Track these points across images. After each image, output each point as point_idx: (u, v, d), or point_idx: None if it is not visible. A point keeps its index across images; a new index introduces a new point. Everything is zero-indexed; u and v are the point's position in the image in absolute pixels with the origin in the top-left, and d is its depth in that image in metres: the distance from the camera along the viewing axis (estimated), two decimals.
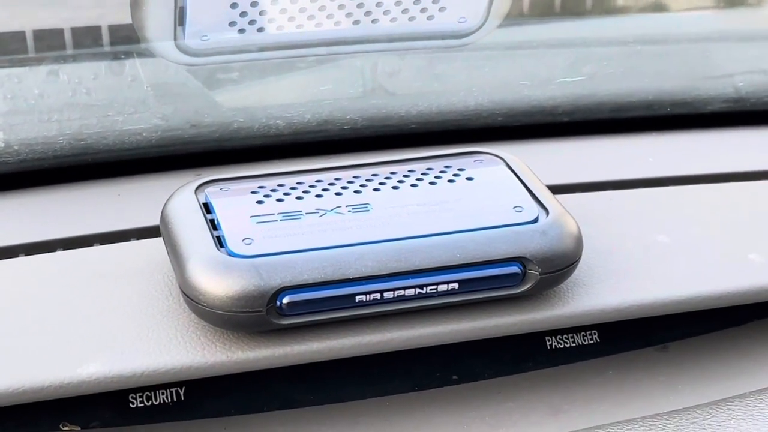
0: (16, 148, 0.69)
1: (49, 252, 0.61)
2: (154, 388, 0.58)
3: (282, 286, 0.53)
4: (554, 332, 0.63)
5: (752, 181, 0.71)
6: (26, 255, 0.61)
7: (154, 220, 0.60)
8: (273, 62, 0.75)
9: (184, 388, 0.59)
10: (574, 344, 0.64)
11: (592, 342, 0.64)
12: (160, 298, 0.57)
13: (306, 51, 0.60)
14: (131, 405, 0.58)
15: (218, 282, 0.53)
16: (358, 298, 0.54)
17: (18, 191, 0.69)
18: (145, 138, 0.71)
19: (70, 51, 0.71)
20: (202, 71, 0.73)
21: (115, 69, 0.71)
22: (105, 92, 0.71)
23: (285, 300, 0.53)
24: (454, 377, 0.62)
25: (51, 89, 0.70)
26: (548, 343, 0.63)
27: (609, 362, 0.63)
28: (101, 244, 0.63)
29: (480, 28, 0.62)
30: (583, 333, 0.64)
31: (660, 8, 0.91)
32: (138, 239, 0.64)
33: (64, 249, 0.62)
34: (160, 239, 0.60)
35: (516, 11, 0.76)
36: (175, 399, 0.59)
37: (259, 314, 0.53)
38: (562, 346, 0.63)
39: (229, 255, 0.54)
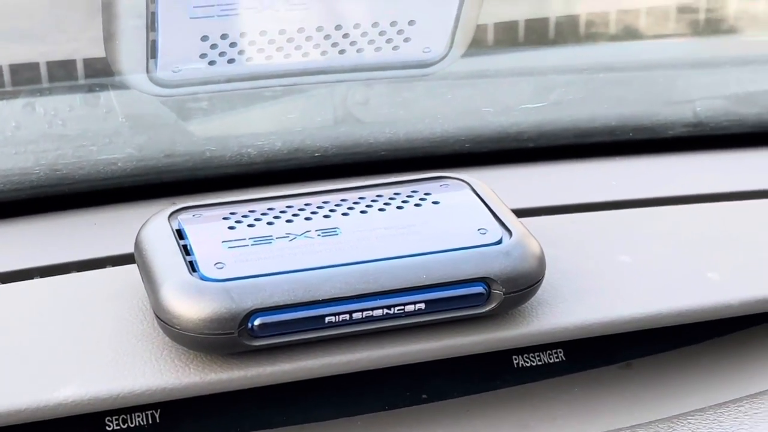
0: None
1: (26, 279, 0.62)
2: (130, 410, 0.60)
3: (253, 308, 0.55)
4: (521, 351, 0.65)
5: (710, 203, 0.73)
6: (2, 283, 0.62)
7: (129, 248, 0.62)
8: (244, 93, 0.77)
9: (159, 410, 0.60)
10: (540, 362, 0.65)
11: (557, 360, 0.65)
12: (135, 322, 0.59)
13: (275, 81, 0.62)
14: (107, 428, 0.59)
15: (191, 305, 0.55)
16: (327, 319, 0.56)
17: None
18: (120, 168, 0.73)
19: (45, 84, 0.72)
20: (175, 102, 0.74)
21: (90, 101, 0.73)
22: (80, 123, 0.72)
23: (256, 322, 0.55)
24: (424, 396, 0.63)
25: (27, 121, 0.72)
26: (515, 362, 0.65)
27: (574, 380, 0.65)
28: (78, 271, 0.64)
29: (444, 58, 0.65)
30: (549, 351, 0.65)
31: (620, 37, 0.93)
32: (113, 266, 0.65)
33: (41, 276, 0.63)
34: (135, 266, 0.62)
35: (480, 41, 0.78)
36: (150, 422, 0.60)
37: (231, 336, 0.54)
38: (528, 365, 0.65)
39: (202, 279, 0.56)
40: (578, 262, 0.64)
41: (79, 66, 0.72)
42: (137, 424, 0.60)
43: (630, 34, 0.94)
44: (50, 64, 0.70)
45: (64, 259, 0.66)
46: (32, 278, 0.63)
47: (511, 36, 0.82)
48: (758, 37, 0.97)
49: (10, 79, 0.71)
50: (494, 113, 0.78)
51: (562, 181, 0.76)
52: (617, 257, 0.66)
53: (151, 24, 0.57)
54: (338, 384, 0.61)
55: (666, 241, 0.68)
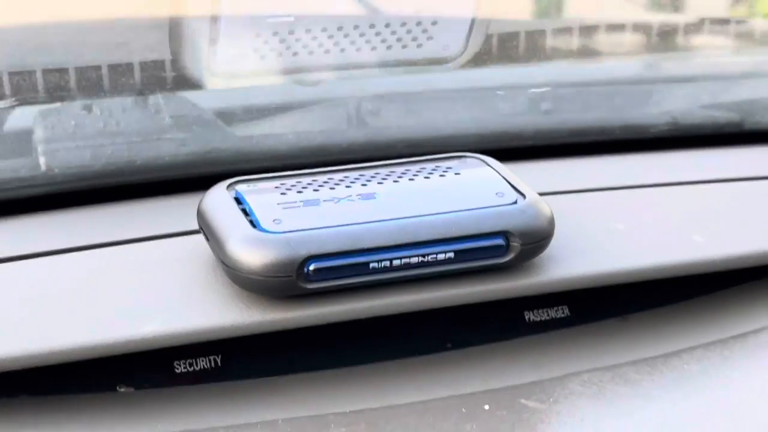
0: (56, 171, 0.80)
1: (102, 248, 0.71)
2: (195, 354, 0.68)
3: (309, 254, 0.64)
4: (531, 306, 0.74)
5: (689, 186, 0.83)
6: (87, 250, 0.71)
7: (184, 227, 0.71)
8: (273, 103, 0.87)
9: (221, 356, 0.69)
10: (548, 317, 0.75)
11: (563, 315, 0.75)
12: (201, 276, 0.68)
13: (317, 75, 0.72)
14: (176, 370, 0.68)
15: (255, 253, 0.64)
16: (371, 265, 0.65)
17: (57, 210, 0.79)
18: (167, 162, 0.82)
19: (104, 87, 0.82)
20: (215, 107, 0.84)
21: (141, 103, 0.82)
22: (132, 123, 0.81)
23: (311, 267, 0.64)
24: (448, 345, 0.72)
25: (86, 120, 0.81)
26: (527, 317, 0.75)
27: (578, 331, 0.74)
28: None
29: (461, 54, 0.75)
30: (555, 307, 0.75)
31: (604, 56, 1.04)
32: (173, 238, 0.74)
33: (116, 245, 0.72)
34: (194, 237, 0.71)
35: (483, 58, 0.88)
36: (213, 365, 0.69)
37: (290, 279, 0.64)
38: (538, 319, 0.75)
39: (263, 232, 0.65)
40: (579, 229, 0.74)
41: (136, 70, 0.81)
42: (202, 367, 0.68)
43: (611, 55, 1.04)
44: (111, 67, 0.79)
45: (129, 236, 0.74)
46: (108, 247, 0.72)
47: (510, 54, 0.92)
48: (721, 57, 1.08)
49: (75, 83, 0.80)
50: (499, 116, 0.88)
51: (558, 172, 0.86)
52: (613, 225, 0.75)
53: (214, 23, 0.67)
54: (376, 333, 0.70)
55: (655, 214, 0.78)
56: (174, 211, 0.78)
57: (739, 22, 1.09)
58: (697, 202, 0.81)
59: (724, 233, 0.76)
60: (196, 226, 0.71)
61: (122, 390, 0.66)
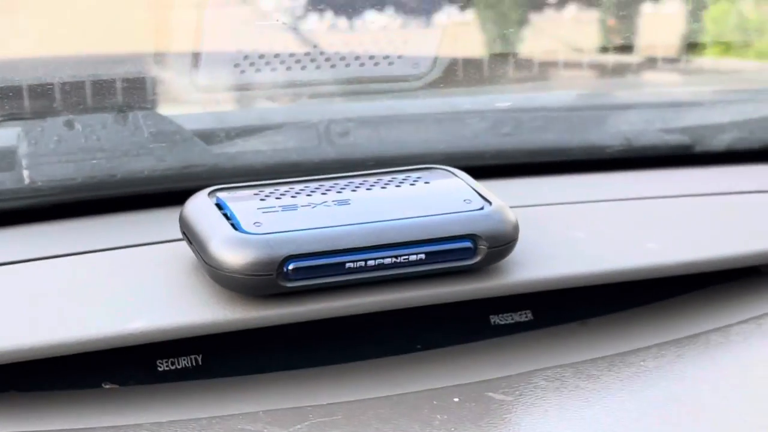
0: (39, 184, 0.83)
1: (88, 253, 0.75)
2: (178, 354, 0.72)
3: (288, 254, 0.67)
4: (496, 311, 0.78)
5: (642, 200, 0.88)
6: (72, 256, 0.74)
7: (166, 236, 0.75)
8: (247, 123, 0.91)
9: (201, 355, 0.72)
10: (512, 321, 0.79)
11: (526, 319, 0.79)
12: (184, 278, 0.71)
13: (292, 91, 0.76)
14: (158, 368, 0.71)
15: (237, 253, 0.67)
16: (347, 265, 0.69)
17: (42, 222, 0.82)
18: (146, 177, 0.86)
19: (87, 104, 0.85)
20: (192, 125, 0.88)
21: (120, 120, 0.86)
22: (112, 139, 0.85)
23: (291, 266, 0.68)
24: (418, 346, 0.76)
25: (68, 136, 0.84)
26: (492, 321, 0.78)
27: (540, 334, 0.78)
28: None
29: (429, 72, 0.79)
30: (519, 312, 0.79)
31: (563, 86, 1.09)
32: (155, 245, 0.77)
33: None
34: (174, 244, 0.74)
35: (450, 80, 0.93)
36: (194, 364, 0.72)
37: (270, 278, 0.67)
38: (502, 323, 0.78)
39: (244, 233, 0.68)
40: (541, 237, 0.78)
41: (118, 87, 0.84)
42: (183, 366, 0.72)
43: (567, 84, 1.10)
44: (94, 84, 0.83)
45: (112, 245, 0.77)
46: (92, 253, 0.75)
47: (476, 75, 0.97)
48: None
49: (60, 99, 0.84)
50: (464, 137, 0.93)
51: (521, 188, 0.90)
52: (573, 234, 0.80)
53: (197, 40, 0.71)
54: (349, 335, 0.74)
55: (612, 225, 0.82)
56: (153, 223, 0.82)
57: (688, 59, 1.15)
58: (650, 215, 0.85)
59: (676, 242, 0.80)
60: (176, 236, 0.74)
61: (107, 387, 0.69)
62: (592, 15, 1.08)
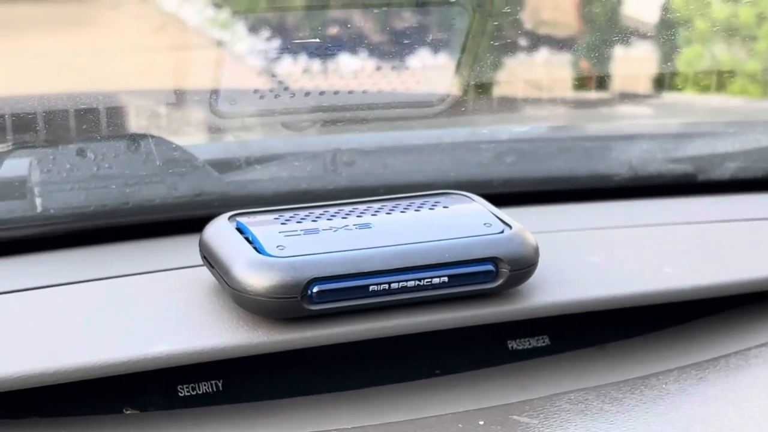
0: (52, 212, 0.83)
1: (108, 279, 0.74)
2: (198, 379, 0.71)
3: (313, 276, 0.67)
4: (514, 336, 0.78)
5: (656, 227, 0.89)
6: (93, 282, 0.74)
7: (182, 263, 0.74)
8: (256, 153, 0.91)
9: (222, 380, 0.72)
10: (529, 346, 0.79)
11: (544, 344, 0.79)
12: (206, 302, 0.71)
13: (312, 116, 0.76)
14: (179, 394, 0.71)
15: (261, 276, 0.67)
16: (371, 288, 0.69)
17: (56, 250, 0.82)
18: (158, 204, 0.85)
19: (99, 132, 0.85)
20: (204, 154, 0.88)
21: (132, 148, 0.86)
22: (125, 166, 0.85)
23: (315, 289, 0.67)
24: (437, 371, 0.76)
25: (80, 164, 0.84)
26: (509, 346, 0.78)
27: (557, 359, 0.78)
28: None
29: (445, 99, 0.80)
30: (536, 337, 0.79)
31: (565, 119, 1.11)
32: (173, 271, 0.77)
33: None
34: (193, 270, 0.74)
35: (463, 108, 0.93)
36: (215, 389, 0.72)
37: (294, 300, 0.67)
38: (520, 348, 0.78)
39: (268, 256, 0.68)
40: (558, 262, 0.78)
41: (132, 115, 0.85)
42: (204, 391, 0.71)
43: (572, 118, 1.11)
44: (108, 111, 0.83)
45: (130, 271, 0.77)
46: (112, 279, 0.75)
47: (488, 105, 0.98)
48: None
49: (74, 125, 0.84)
50: (474, 165, 0.93)
51: (533, 216, 0.90)
52: (590, 259, 0.80)
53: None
54: (368, 360, 0.74)
55: (627, 250, 0.83)
56: (168, 250, 0.81)
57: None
58: (663, 241, 0.86)
59: (692, 267, 0.81)
60: (193, 262, 0.74)
61: (128, 412, 0.69)
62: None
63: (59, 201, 0.83)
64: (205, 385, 0.71)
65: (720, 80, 1.18)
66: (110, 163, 0.85)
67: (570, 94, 1.08)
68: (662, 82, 1.14)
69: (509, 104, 1.00)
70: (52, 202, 0.83)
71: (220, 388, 0.71)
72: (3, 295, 0.71)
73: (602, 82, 1.07)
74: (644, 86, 1.12)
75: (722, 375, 0.74)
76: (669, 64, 1.11)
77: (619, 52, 1.07)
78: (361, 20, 0.80)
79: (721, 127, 1.12)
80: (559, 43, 1.04)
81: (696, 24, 1.09)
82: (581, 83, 1.05)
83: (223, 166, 0.90)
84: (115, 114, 0.85)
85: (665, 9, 1.08)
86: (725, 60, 1.16)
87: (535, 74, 1.00)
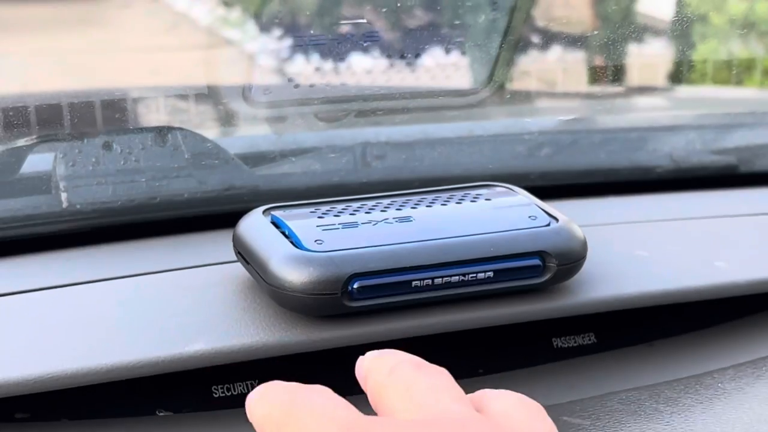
0: (78, 207, 0.80)
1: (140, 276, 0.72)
2: (233, 380, 0.68)
3: (354, 272, 0.64)
4: (559, 334, 0.75)
5: (703, 220, 0.86)
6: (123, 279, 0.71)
7: (214, 259, 0.72)
8: (287, 146, 0.88)
9: (257, 380, 0.69)
10: (575, 344, 0.76)
11: (590, 342, 0.76)
12: (240, 299, 0.68)
13: (347, 106, 0.73)
14: (214, 395, 0.68)
15: (300, 272, 0.64)
16: (413, 283, 0.66)
17: (83, 247, 0.79)
18: (187, 199, 0.83)
19: (123, 125, 0.83)
20: (233, 148, 0.85)
21: (159, 141, 0.83)
22: (152, 160, 0.82)
23: (356, 285, 0.64)
24: (480, 371, 0.73)
25: (106, 158, 0.81)
26: (555, 344, 0.75)
27: (604, 357, 0.75)
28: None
29: (485, 87, 0.77)
30: (582, 334, 0.76)
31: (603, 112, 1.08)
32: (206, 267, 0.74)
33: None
34: (226, 266, 0.71)
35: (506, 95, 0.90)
36: (250, 389, 0.68)
37: (335, 296, 0.64)
38: (566, 346, 0.75)
39: (306, 251, 0.65)
40: (604, 257, 0.75)
41: (161, 105, 0.82)
42: (239, 391, 0.68)
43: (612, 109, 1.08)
44: (134, 101, 0.80)
45: (160, 267, 0.74)
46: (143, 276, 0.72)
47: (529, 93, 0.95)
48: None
49: (101, 117, 0.81)
50: (511, 157, 0.90)
51: (576, 209, 0.87)
52: (636, 253, 0.77)
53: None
54: None
55: (675, 244, 0.80)
56: (199, 246, 0.79)
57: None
58: (711, 234, 0.83)
59: (744, 261, 0.78)
60: (226, 258, 0.71)
61: (162, 414, 0.66)
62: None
63: (85, 196, 0.81)
64: (240, 385, 0.68)
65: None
66: (137, 156, 0.82)
67: (608, 86, 1.04)
68: (705, 74, 1.11)
69: (547, 96, 0.97)
70: (78, 197, 0.80)
71: None
72: (31, 293, 0.68)
73: (641, 74, 1.03)
74: (685, 78, 1.08)
75: None
76: (712, 55, 1.07)
77: (661, 45, 1.04)
78: (397, 8, 0.77)
79: (763, 118, 1.09)
80: (598, 35, 1.01)
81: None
82: (619, 75, 1.01)
83: (254, 159, 0.87)
84: (142, 107, 0.82)
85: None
86: None
87: (574, 65, 0.97)
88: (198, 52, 0.82)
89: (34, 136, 0.82)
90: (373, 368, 0.43)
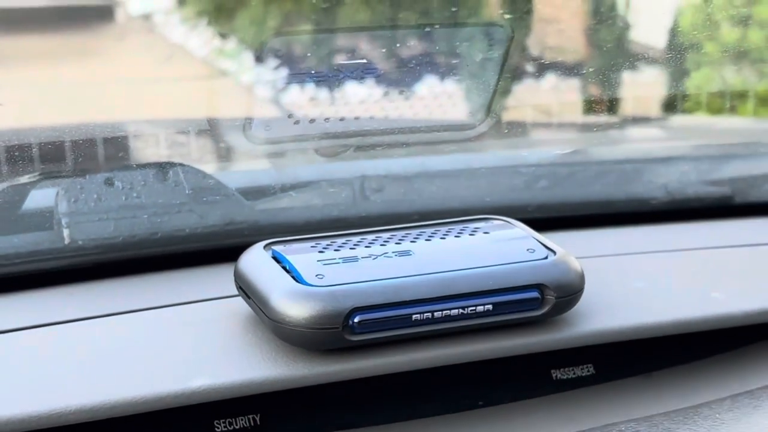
0: (80, 243, 0.81)
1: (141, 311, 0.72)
2: (236, 413, 0.69)
3: (354, 306, 0.65)
4: (558, 365, 0.76)
5: (698, 251, 0.86)
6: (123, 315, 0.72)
7: (214, 294, 0.72)
8: (287, 180, 0.89)
9: (260, 414, 0.70)
10: (574, 375, 0.76)
11: (588, 373, 0.77)
12: (242, 334, 0.69)
13: (346, 141, 0.74)
14: (216, 429, 0.68)
15: (301, 306, 0.65)
16: (414, 317, 0.67)
17: (84, 282, 0.80)
18: (189, 234, 0.83)
19: (125, 161, 0.83)
20: (234, 183, 0.86)
21: (160, 177, 0.84)
22: (153, 196, 0.83)
23: (357, 319, 0.65)
24: (480, 403, 0.74)
25: (108, 194, 0.82)
26: (553, 375, 0.76)
27: (606, 388, 0.76)
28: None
29: (483, 121, 0.78)
30: (581, 366, 0.76)
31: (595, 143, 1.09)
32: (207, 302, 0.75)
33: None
34: (227, 300, 0.72)
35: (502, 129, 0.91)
36: (252, 424, 0.69)
37: (335, 331, 0.65)
38: (564, 377, 0.76)
39: (307, 285, 0.66)
40: (601, 288, 0.76)
41: (161, 141, 0.83)
42: (241, 426, 0.69)
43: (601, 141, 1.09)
44: (135, 138, 0.81)
45: (162, 303, 0.75)
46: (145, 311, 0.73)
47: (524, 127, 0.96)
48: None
49: (102, 155, 0.82)
50: (509, 190, 0.91)
51: (572, 241, 0.88)
52: (633, 284, 0.78)
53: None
54: (410, 391, 0.71)
55: (671, 275, 0.80)
56: (200, 281, 0.79)
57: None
58: (707, 265, 0.83)
59: (740, 292, 0.78)
60: (227, 293, 0.72)
61: None
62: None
63: (87, 232, 0.81)
64: (242, 419, 0.69)
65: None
66: (139, 192, 0.83)
67: (604, 117, 1.05)
68: (700, 103, 1.12)
69: (543, 128, 0.98)
70: (80, 233, 0.80)
71: (258, 423, 0.69)
72: (33, 330, 0.69)
73: (637, 105, 1.04)
74: (679, 107, 1.09)
75: None
76: (707, 87, 1.09)
77: (656, 75, 1.05)
78: (395, 44, 0.78)
79: (757, 148, 1.10)
80: (595, 67, 1.02)
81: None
82: (616, 106, 1.03)
83: (254, 194, 0.88)
84: (143, 143, 0.82)
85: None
86: None
87: (570, 97, 0.98)
88: (199, 86, 0.83)
89: (37, 173, 0.83)
90: None
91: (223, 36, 0.98)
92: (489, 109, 0.79)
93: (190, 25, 0.99)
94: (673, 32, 1.05)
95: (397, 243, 0.71)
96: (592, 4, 1.08)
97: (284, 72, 0.73)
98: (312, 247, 0.70)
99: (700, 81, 1.10)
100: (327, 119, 0.74)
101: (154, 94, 0.83)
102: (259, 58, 0.73)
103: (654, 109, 1.12)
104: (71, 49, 0.95)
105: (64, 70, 0.93)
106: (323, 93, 0.76)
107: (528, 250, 0.71)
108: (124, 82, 0.82)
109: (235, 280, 0.70)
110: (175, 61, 0.94)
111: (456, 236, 0.73)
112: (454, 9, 0.92)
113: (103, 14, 1.00)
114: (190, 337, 0.69)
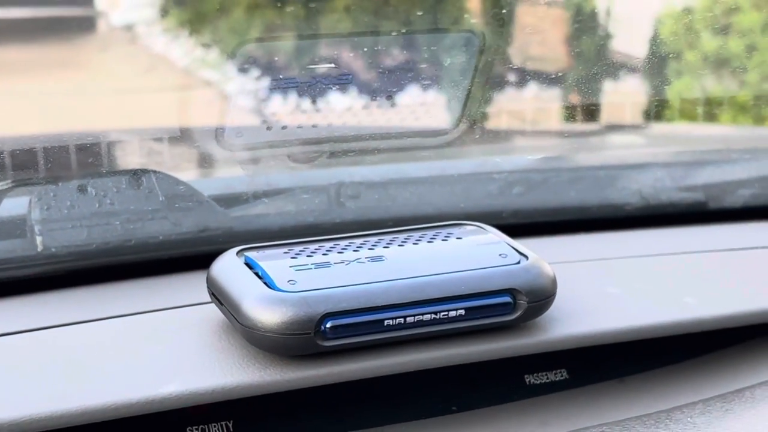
0: (53, 251, 0.80)
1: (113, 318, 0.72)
2: (208, 420, 0.69)
3: (326, 312, 0.65)
4: (531, 370, 0.76)
5: (672, 256, 0.87)
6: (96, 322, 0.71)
7: (186, 301, 0.72)
8: (261, 187, 0.89)
9: (232, 421, 0.69)
10: (547, 380, 0.76)
11: (562, 378, 0.77)
12: (215, 340, 0.69)
13: (320, 148, 0.74)
14: None
15: (273, 312, 0.65)
16: (386, 322, 0.67)
17: (58, 290, 0.80)
18: (162, 241, 0.83)
19: (98, 168, 0.83)
20: (208, 189, 0.86)
21: (134, 184, 0.84)
22: (126, 203, 0.83)
23: (328, 324, 0.65)
24: (454, 408, 0.74)
25: (81, 201, 0.82)
26: (527, 380, 0.76)
27: (576, 393, 0.76)
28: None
29: (455, 128, 0.78)
30: (554, 371, 0.77)
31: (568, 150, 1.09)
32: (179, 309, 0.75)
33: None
34: (200, 307, 0.72)
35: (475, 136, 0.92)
36: (225, 431, 0.69)
37: (307, 336, 0.65)
38: (538, 382, 0.76)
39: (279, 291, 0.66)
40: (575, 294, 0.76)
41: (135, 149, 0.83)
42: None
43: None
44: (109, 145, 0.81)
45: (135, 309, 0.75)
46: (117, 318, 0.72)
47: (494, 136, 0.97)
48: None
49: (75, 161, 0.82)
50: (483, 196, 0.92)
51: (546, 246, 0.88)
52: (607, 290, 0.78)
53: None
54: (383, 397, 0.71)
55: (645, 281, 0.81)
56: (173, 287, 0.79)
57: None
58: (680, 270, 0.84)
59: (713, 296, 0.79)
60: (200, 300, 0.72)
61: None
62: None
63: (60, 239, 0.81)
64: (215, 426, 0.69)
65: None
66: (112, 199, 0.83)
67: (579, 124, 1.06)
68: (679, 111, 1.13)
69: (518, 134, 0.99)
70: (53, 240, 0.80)
71: (231, 429, 0.69)
72: (4, 337, 0.69)
73: (612, 112, 1.05)
74: (655, 116, 1.10)
75: (748, 407, 0.72)
76: (683, 93, 1.09)
77: (631, 82, 1.05)
78: (369, 50, 0.78)
79: (731, 155, 1.11)
80: (569, 74, 1.03)
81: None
82: (591, 113, 1.03)
83: (228, 201, 0.88)
84: (117, 150, 0.82)
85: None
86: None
87: (545, 104, 0.98)
88: (170, 94, 0.83)
89: (9, 181, 0.83)
90: None
91: (203, 45, 0.99)
92: (462, 115, 0.79)
93: (169, 35, 0.99)
94: (653, 41, 1.05)
95: (369, 249, 0.71)
96: (569, 12, 1.08)
97: (257, 79, 0.73)
98: (285, 253, 0.70)
99: (679, 89, 1.10)
100: (300, 126, 0.74)
101: (129, 103, 0.83)
102: (232, 66, 0.73)
103: (631, 117, 1.13)
104: (52, 59, 0.94)
105: (42, 80, 0.93)
106: (296, 100, 0.76)
107: (500, 255, 0.71)
108: (99, 93, 0.82)
109: (208, 287, 0.70)
110: (152, 70, 0.94)
111: (429, 242, 0.73)
112: (429, 16, 0.92)
113: (84, 25, 1.00)
114: (162, 344, 0.68)
